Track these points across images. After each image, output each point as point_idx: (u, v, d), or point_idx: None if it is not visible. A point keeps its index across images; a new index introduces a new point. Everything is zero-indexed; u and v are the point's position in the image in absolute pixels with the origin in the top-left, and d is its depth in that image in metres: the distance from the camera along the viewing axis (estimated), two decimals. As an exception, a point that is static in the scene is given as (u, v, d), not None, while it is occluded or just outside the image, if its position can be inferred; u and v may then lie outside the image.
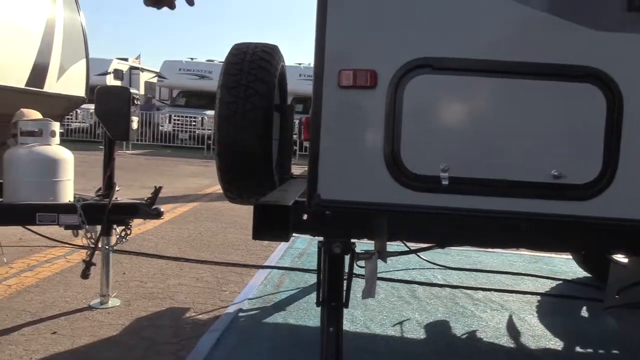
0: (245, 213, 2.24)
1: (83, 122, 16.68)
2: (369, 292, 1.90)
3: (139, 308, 3.03)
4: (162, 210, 3.02)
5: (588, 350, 2.77)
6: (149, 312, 2.98)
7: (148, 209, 2.97)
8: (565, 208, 1.65)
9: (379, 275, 3.70)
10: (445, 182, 1.62)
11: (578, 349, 2.78)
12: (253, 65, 2.51)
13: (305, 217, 1.82)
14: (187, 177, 9.57)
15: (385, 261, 1.90)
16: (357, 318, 2.97)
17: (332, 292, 2.11)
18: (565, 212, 1.65)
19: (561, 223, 1.67)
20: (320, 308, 2.16)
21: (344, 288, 2.12)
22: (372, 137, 1.65)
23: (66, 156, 4.34)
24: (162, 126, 15.65)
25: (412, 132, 1.64)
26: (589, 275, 3.95)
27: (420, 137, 1.65)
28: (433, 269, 3.98)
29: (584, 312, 3.35)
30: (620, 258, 2.28)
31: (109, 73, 15.63)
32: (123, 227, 3.06)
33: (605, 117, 1.63)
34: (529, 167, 1.64)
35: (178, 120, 15.53)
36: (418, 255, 3.50)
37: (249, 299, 3.22)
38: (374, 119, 1.65)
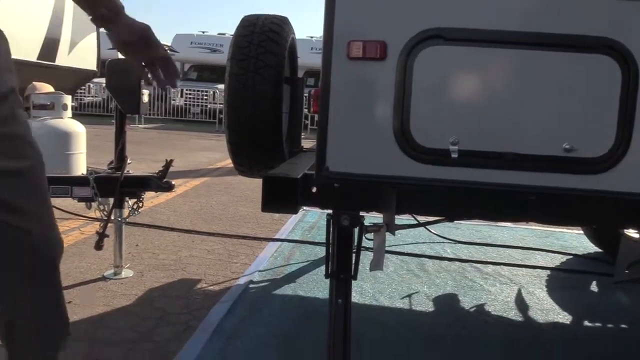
0: (256, 187, 2.27)
1: (96, 97, 16.72)
2: (376, 265, 1.91)
3: (152, 279, 3.08)
4: (173, 183, 3.05)
5: (597, 324, 2.78)
6: (161, 283, 3.03)
7: (159, 182, 3.00)
8: (576, 182, 1.63)
9: (389, 248, 3.73)
10: (454, 155, 1.60)
11: (586, 322, 2.79)
12: (262, 37, 2.49)
13: (314, 189, 1.82)
14: (199, 151, 9.61)
15: (394, 234, 1.90)
16: (366, 290, 3.00)
17: (340, 264, 2.12)
18: (577, 185, 1.63)
19: (572, 197, 1.65)
20: (329, 280, 2.18)
21: (353, 261, 2.13)
22: (381, 109, 1.64)
23: (78, 129, 4.38)
24: (174, 100, 15.65)
25: (421, 105, 1.62)
26: (599, 250, 3.93)
27: (430, 109, 1.63)
28: (443, 242, 3.99)
29: (594, 287, 3.35)
30: (632, 233, 2.27)
31: (120, 49, 15.62)
32: (135, 200, 3.09)
33: (619, 90, 1.59)
34: (540, 140, 1.62)
35: (190, 94, 15.51)
36: (427, 229, 3.51)
37: (260, 271, 3.26)
38: (383, 91, 1.63)
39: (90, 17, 1.28)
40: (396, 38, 1.62)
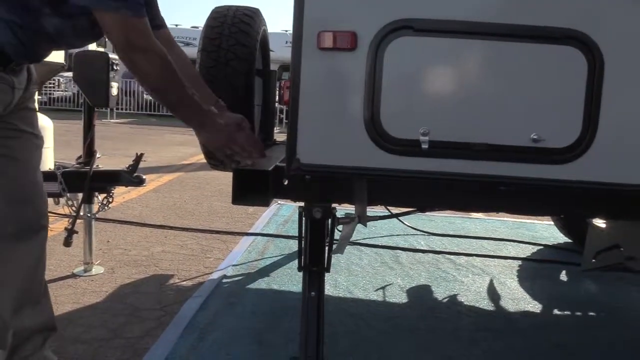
0: (230, 181, 2.25)
1: (66, 91, 16.39)
2: (338, 249, 1.91)
3: (123, 275, 3.03)
4: (144, 177, 3.00)
5: (565, 312, 2.83)
6: (133, 279, 2.98)
7: (130, 177, 2.94)
8: (544, 171, 1.65)
9: (364, 241, 3.74)
10: (425, 146, 1.61)
11: (556, 311, 2.85)
12: (233, 28, 2.46)
13: (285, 182, 1.81)
14: (173, 145, 9.50)
15: (365, 225, 1.90)
16: (340, 283, 3.01)
17: (313, 257, 2.12)
18: (544, 175, 1.65)
19: (540, 187, 1.67)
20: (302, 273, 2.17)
21: (326, 253, 2.13)
22: (351, 100, 1.63)
23: (45, 124, 4.26)
24: (146, 94, 15.42)
25: (392, 96, 1.62)
26: (569, 240, 4.01)
27: (401, 100, 1.63)
28: (417, 235, 4.02)
29: (563, 276, 3.42)
30: (599, 222, 2.31)
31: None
32: (105, 195, 3.03)
33: (585, 81, 1.62)
34: (508, 131, 1.63)
35: (163, 88, 15.27)
36: (401, 221, 3.53)
37: (233, 265, 3.23)
38: (353, 82, 1.63)
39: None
40: (366, 28, 1.61)
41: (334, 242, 3.43)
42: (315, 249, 2.10)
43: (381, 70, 1.61)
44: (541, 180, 1.66)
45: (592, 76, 1.61)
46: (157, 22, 1.71)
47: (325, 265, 2.13)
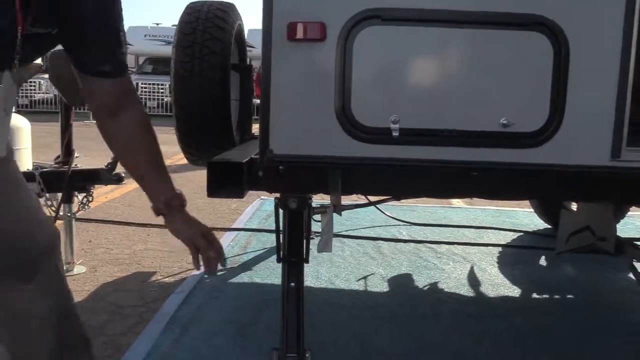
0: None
1: (47, 93, 16.17)
2: (325, 246, 1.93)
3: (105, 274, 3.02)
4: (123, 175, 2.99)
5: (544, 296, 2.88)
6: (115, 278, 2.98)
7: (109, 175, 2.94)
8: (514, 156, 1.68)
9: (346, 232, 3.77)
10: (395, 134, 1.63)
11: (534, 295, 2.89)
12: (208, 23, 2.46)
13: (260, 173, 1.82)
14: (156, 144, 9.44)
15: (340, 214, 1.92)
16: (322, 274, 3.03)
17: (291, 248, 2.14)
18: (514, 159, 1.68)
19: (511, 171, 1.70)
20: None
21: (304, 244, 2.14)
22: (322, 90, 1.64)
23: (22, 124, 4.23)
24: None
25: (362, 85, 1.63)
26: (549, 226, 4.07)
27: (371, 89, 1.65)
28: (398, 225, 4.05)
29: (542, 261, 3.48)
30: (572, 206, 2.36)
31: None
32: (84, 194, 3.02)
33: (552, 66, 1.64)
34: (478, 116, 1.66)
35: (145, 88, 15.15)
36: (378, 209, 3.55)
37: (216, 260, 3.23)
38: (324, 72, 1.64)
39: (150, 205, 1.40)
40: (335, 19, 1.62)
41: (316, 234, 3.44)
42: (293, 240, 2.12)
43: (351, 60, 1.63)
44: (511, 165, 1.69)
45: (558, 62, 1.64)
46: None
47: (304, 256, 2.15)
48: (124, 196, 5.02)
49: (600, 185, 1.78)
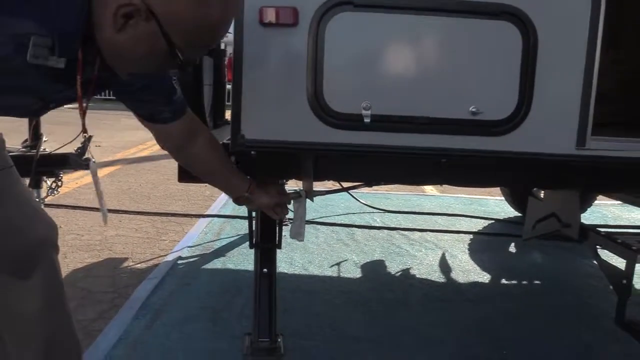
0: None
1: (15, 76, 15.71)
2: (297, 233, 1.93)
3: (75, 260, 2.99)
4: (93, 160, 2.94)
5: (512, 281, 2.95)
6: (86, 264, 2.95)
7: (78, 159, 2.88)
8: (483, 143, 1.70)
9: (320, 220, 3.78)
10: (367, 120, 1.63)
11: (503, 280, 2.96)
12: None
13: (232, 159, 1.82)
14: (129, 130, 9.30)
15: (313, 200, 1.93)
16: (295, 261, 3.04)
17: (264, 234, 2.14)
18: (483, 147, 1.70)
19: (479, 158, 1.73)
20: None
21: (276, 229, 2.15)
22: (294, 75, 1.64)
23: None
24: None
25: (334, 71, 1.63)
26: (519, 214, 4.15)
27: (342, 75, 1.65)
28: (372, 212, 4.09)
29: (512, 248, 3.55)
30: (540, 194, 2.41)
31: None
32: (53, 179, 2.97)
33: (520, 55, 1.67)
34: (448, 104, 1.67)
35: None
36: (355, 199, 3.58)
37: (189, 246, 3.23)
38: (296, 58, 1.63)
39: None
40: (307, 4, 1.62)
41: (289, 220, 3.45)
42: (265, 226, 2.13)
43: (323, 45, 1.63)
44: (480, 152, 1.71)
45: (526, 50, 1.67)
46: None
47: (277, 242, 2.16)
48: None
49: (566, 173, 1.82)
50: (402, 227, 3.79)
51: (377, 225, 3.82)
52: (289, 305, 2.45)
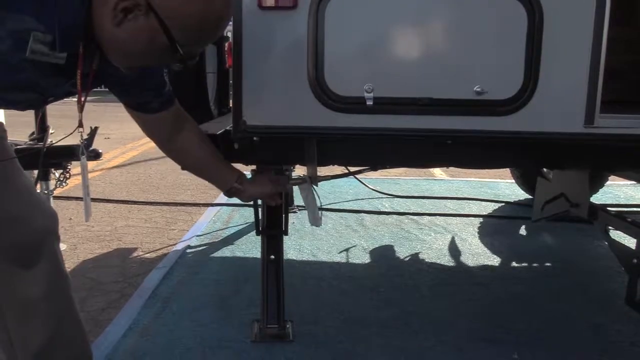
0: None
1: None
2: (314, 220, 1.92)
3: (85, 251, 3.01)
4: (100, 151, 2.96)
5: (522, 264, 2.92)
6: (96, 254, 2.96)
7: (85, 151, 2.89)
8: (488, 124, 1.68)
9: (328, 206, 3.77)
10: (370, 103, 1.62)
11: (514, 263, 2.93)
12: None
13: (236, 145, 1.81)
14: (138, 122, 9.33)
15: (317, 185, 1.92)
16: (304, 247, 3.04)
17: (270, 220, 2.14)
18: (489, 127, 1.68)
19: (485, 139, 1.70)
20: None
21: (283, 216, 2.14)
22: (295, 59, 1.62)
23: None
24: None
25: (335, 53, 1.61)
26: (529, 197, 4.10)
27: (344, 58, 1.63)
28: (381, 198, 4.07)
29: (522, 231, 3.51)
30: (548, 175, 2.38)
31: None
32: (61, 171, 2.98)
33: (525, 32, 1.63)
34: (452, 84, 1.65)
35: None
36: (363, 184, 3.56)
37: (197, 235, 3.23)
38: (296, 41, 1.61)
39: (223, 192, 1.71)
40: (307, -14, 1.59)
41: (298, 207, 3.43)
42: (271, 212, 2.12)
43: (323, 27, 1.61)
44: (486, 132, 1.69)
45: (532, 28, 1.63)
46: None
47: (284, 229, 2.16)
48: (104, 174, 4.97)
49: (574, 152, 1.79)
50: (411, 212, 3.77)
51: (386, 210, 3.80)
52: (297, 292, 2.45)
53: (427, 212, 3.77)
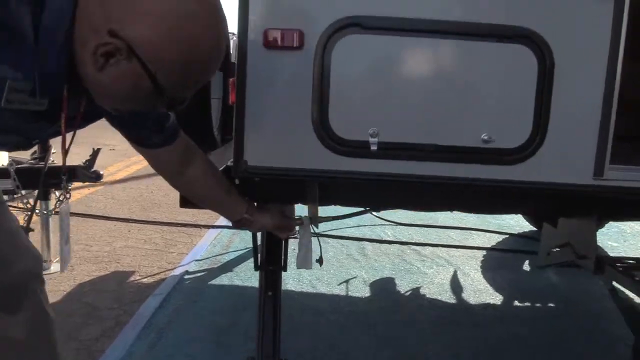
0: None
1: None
2: (304, 261, 1.88)
3: (83, 273, 2.97)
4: (101, 173, 2.94)
5: (525, 303, 2.86)
6: (93, 277, 2.93)
7: (86, 172, 2.87)
8: (494, 172, 1.63)
9: (330, 232, 3.72)
10: (374, 147, 1.58)
11: (516, 302, 2.88)
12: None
13: (237, 182, 1.77)
14: (144, 133, 9.34)
15: (317, 227, 1.88)
16: (303, 277, 2.99)
17: (269, 256, 2.10)
18: (495, 176, 1.63)
19: (490, 187, 1.66)
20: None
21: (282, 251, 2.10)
22: (299, 100, 1.59)
23: None
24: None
25: (340, 95, 1.58)
26: (534, 228, 4.05)
27: (349, 100, 1.59)
28: (384, 225, 4.02)
29: (526, 266, 3.45)
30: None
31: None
32: (62, 191, 2.95)
33: (536, 80, 1.60)
34: (458, 131, 1.61)
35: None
36: (368, 211, 3.51)
37: (197, 260, 3.20)
38: (301, 82, 1.58)
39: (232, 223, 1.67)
40: (314, 26, 1.56)
41: (296, 233, 3.39)
42: (271, 248, 2.08)
43: (329, 69, 1.57)
44: (492, 181, 1.64)
45: (542, 76, 1.59)
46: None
47: (282, 265, 2.11)
48: (106, 189, 4.95)
49: (583, 203, 1.75)
50: (413, 241, 3.72)
51: (389, 238, 3.75)
52: (295, 325, 2.41)
53: (430, 242, 3.72)
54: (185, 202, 1.75)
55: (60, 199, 2.95)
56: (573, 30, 1.59)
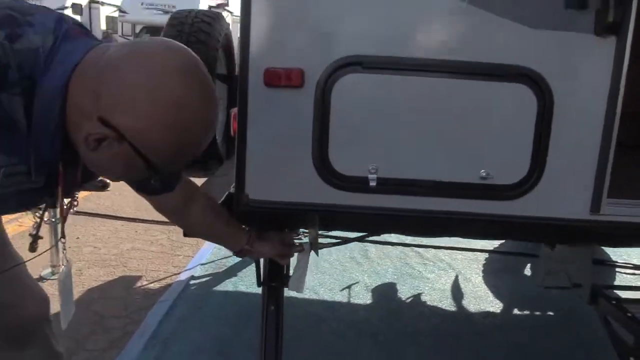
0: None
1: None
2: (297, 284, 1.92)
3: (91, 277, 3.04)
4: (108, 182, 2.98)
5: (525, 312, 2.91)
6: (100, 282, 3.00)
7: (93, 181, 2.92)
8: (492, 207, 1.66)
9: (335, 234, 3.76)
10: (373, 183, 1.60)
11: (516, 310, 2.92)
12: (191, 38, 2.40)
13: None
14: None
15: (318, 254, 1.91)
16: (307, 282, 3.03)
17: (272, 272, 2.14)
18: (493, 211, 1.66)
19: (488, 222, 1.69)
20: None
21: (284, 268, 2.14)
22: (300, 137, 1.61)
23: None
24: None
25: (340, 133, 1.60)
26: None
27: (349, 137, 1.61)
28: (388, 225, 4.05)
29: (527, 270, 3.49)
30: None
31: (67, 8, 14.50)
32: (69, 200, 3.01)
33: (534, 118, 1.61)
34: (457, 168, 1.63)
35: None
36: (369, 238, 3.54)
37: (202, 264, 3.26)
38: (301, 119, 1.60)
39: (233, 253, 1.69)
40: (314, 65, 1.58)
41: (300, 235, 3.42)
42: (273, 265, 2.12)
43: (329, 107, 1.59)
44: (490, 216, 1.67)
45: (541, 114, 1.60)
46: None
47: (285, 281, 2.16)
48: (113, 184, 5.00)
49: (580, 237, 1.77)
50: (416, 244, 3.75)
51: (392, 240, 3.79)
52: (297, 333, 2.47)
53: (432, 244, 3.76)
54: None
55: (68, 206, 3.02)
56: (574, 70, 1.60)
